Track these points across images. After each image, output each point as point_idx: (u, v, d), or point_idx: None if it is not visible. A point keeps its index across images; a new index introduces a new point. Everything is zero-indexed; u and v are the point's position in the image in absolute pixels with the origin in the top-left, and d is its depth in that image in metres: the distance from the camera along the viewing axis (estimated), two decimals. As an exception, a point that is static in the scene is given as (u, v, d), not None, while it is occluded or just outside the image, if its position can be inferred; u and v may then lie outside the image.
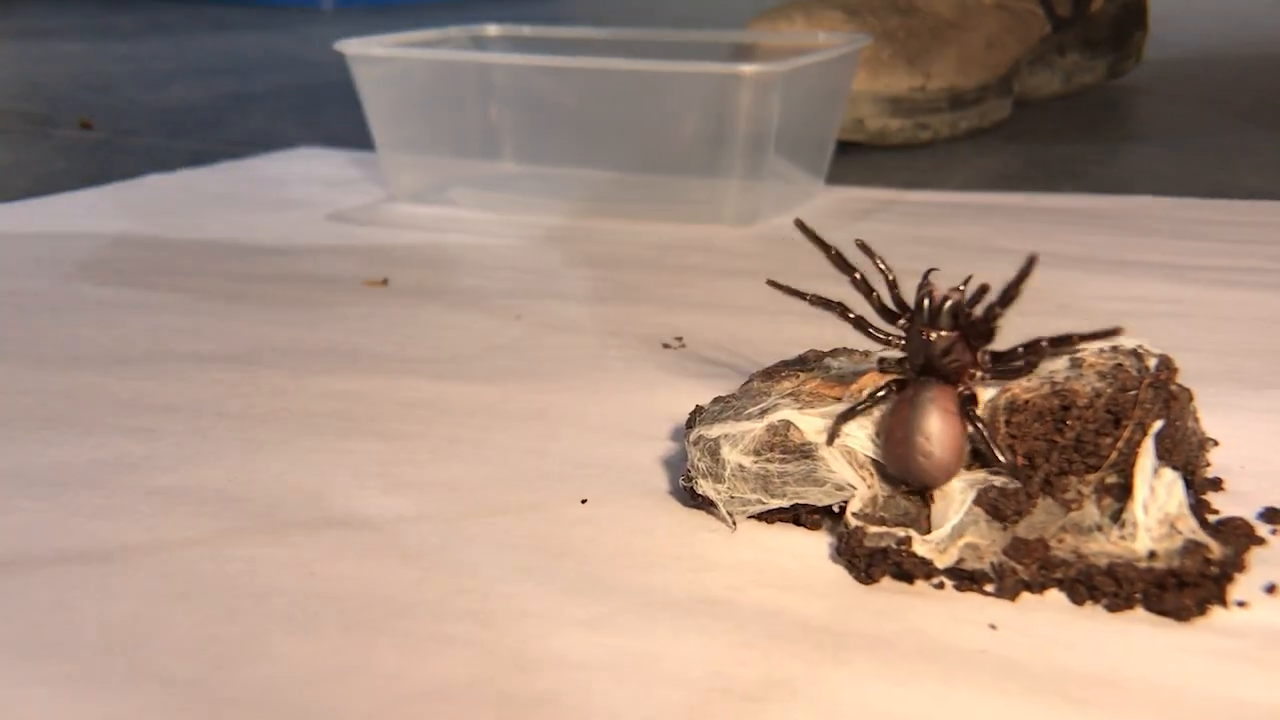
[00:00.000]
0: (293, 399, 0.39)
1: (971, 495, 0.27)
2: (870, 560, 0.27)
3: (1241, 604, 0.26)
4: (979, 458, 0.28)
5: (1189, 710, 0.23)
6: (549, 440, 0.36)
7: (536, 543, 0.30)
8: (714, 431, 0.30)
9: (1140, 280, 0.49)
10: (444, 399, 0.39)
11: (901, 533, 0.27)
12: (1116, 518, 0.27)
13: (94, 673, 0.25)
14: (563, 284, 0.52)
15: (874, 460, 0.29)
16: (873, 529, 0.27)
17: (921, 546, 0.27)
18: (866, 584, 0.27)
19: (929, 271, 0.29)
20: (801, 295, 0.31)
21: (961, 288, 0.29)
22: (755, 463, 0.29)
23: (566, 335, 0.45)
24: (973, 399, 0.28)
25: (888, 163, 0.74)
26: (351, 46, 0.65)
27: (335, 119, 0.93)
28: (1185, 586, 0.26)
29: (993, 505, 0.27)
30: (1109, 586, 0.26)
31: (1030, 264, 0.26)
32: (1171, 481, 0.26)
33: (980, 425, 0.27)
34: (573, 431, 0.36)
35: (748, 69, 0.58)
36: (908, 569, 0.27)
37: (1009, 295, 0.27)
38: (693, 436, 0.31)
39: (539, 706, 0.24)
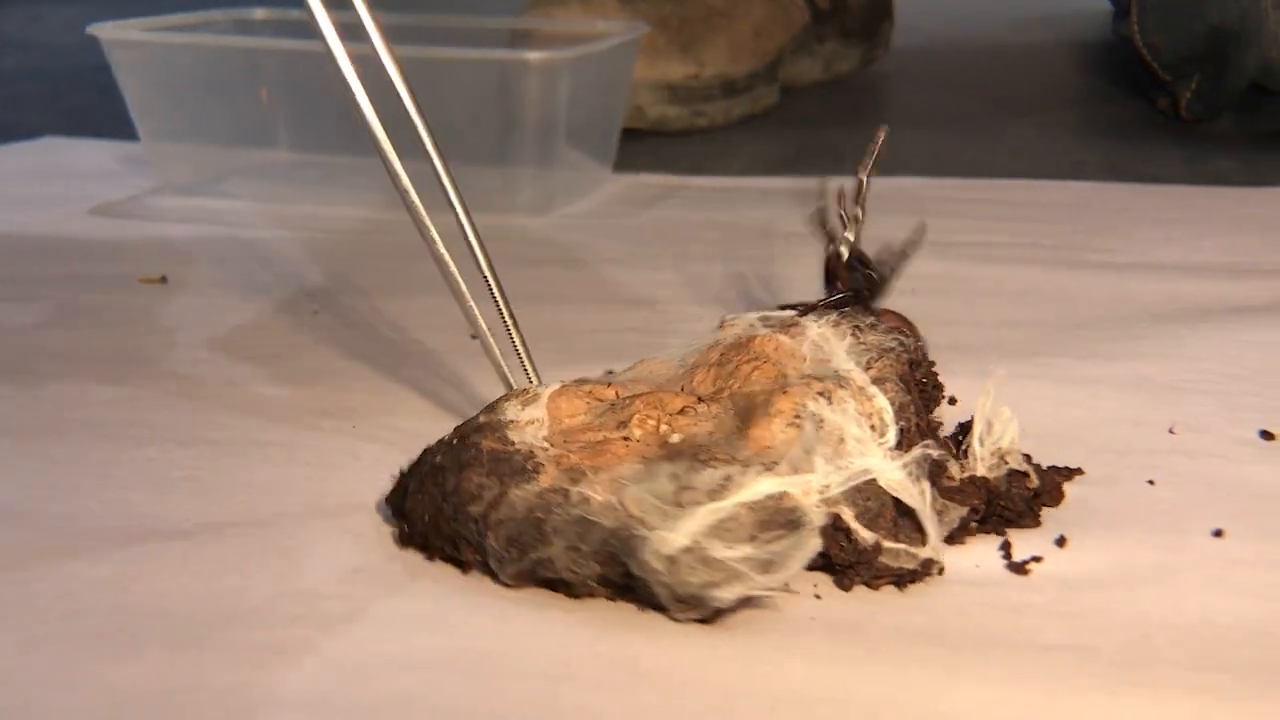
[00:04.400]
0: (79, 409, 0.37)
1: (924, 483, 0.28)
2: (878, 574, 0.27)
3: (1037, 559, 0.28)
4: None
5: (1001, 661, 0.25)
6: (361, 440, 0.35)
7: (363, 543, 0.29)
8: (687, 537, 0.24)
9: (918, 258, 0.52)
10: (247, 401, 0.38)
11: (922, 552, 0.27)
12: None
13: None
14: (357, 277, 0.50)
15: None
16: (888, 544, 0.27)
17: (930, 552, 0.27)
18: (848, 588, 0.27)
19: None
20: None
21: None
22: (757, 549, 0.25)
23: (369, 330, 0.44)
24: None
25: (668, 149, 0.75)
26: (107, 30, 0.61)
27: (80, 106, 0.87)
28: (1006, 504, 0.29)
29: (932, 476, 0.28)
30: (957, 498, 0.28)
31: (920, 233, 0.34)
32: (1008, 419, 0.29)
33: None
34: (385, 430, 0.36)
35: (534, 56, 0.58)
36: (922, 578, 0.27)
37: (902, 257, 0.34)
38: (667, 550, 0.24)
39: (391, 710, 0.23)
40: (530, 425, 0.28)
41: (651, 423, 0.28)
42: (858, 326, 0.31)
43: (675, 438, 0.27)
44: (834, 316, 0.31)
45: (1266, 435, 0.34)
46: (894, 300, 0.48)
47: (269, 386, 0.39)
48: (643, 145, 0.76)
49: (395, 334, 0.44)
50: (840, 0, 0.98)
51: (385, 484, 0.32)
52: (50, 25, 1.37)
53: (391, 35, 0.70)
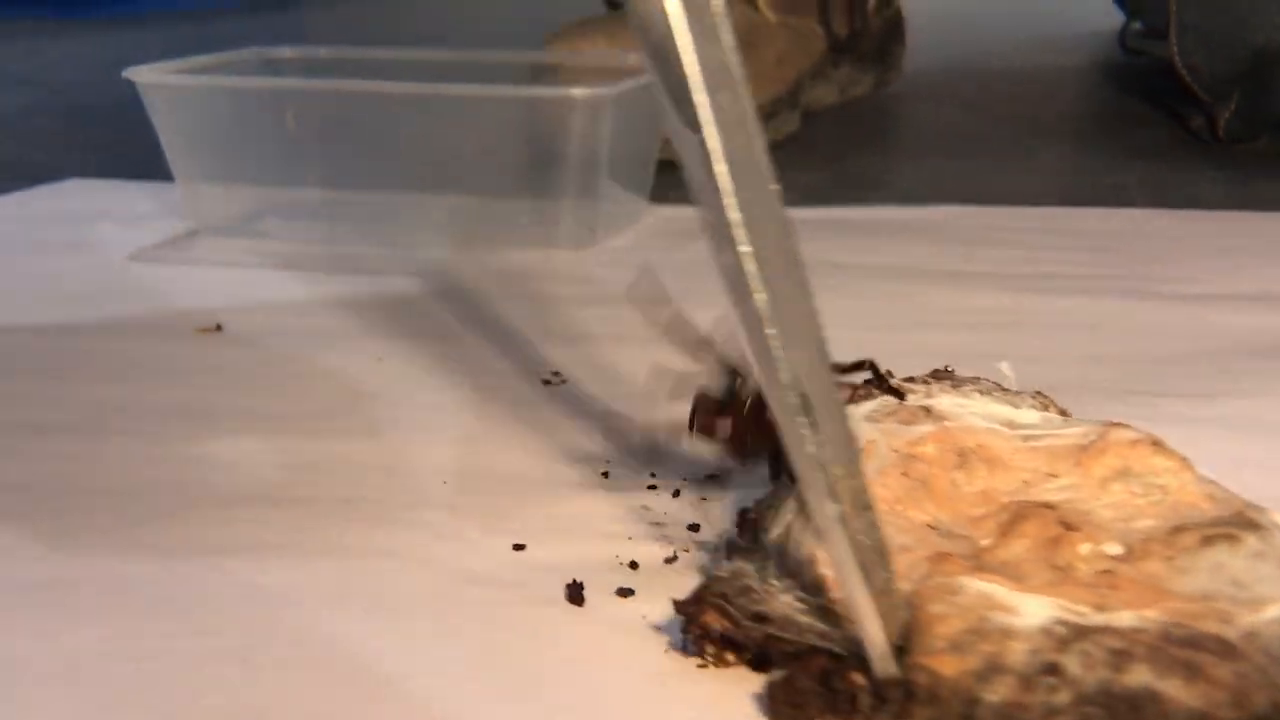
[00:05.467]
0: (164, 467, 0.36)
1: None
2: None
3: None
4: None
5: None
6: (471, 495, 0.34)
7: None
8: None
9: (973, 291, 0.51)
10: (331, 459, 0.37)
11: None
12: None
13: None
14: (413, 320, 0.50)
15: None
16: None
17: None
18: None
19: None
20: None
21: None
22: None
23: (437, 378, 0.43)
24: None
25: (699, 179, 0.75)
26: (144, 74, 0.61)
27: (99, 146, 0.86)
28: None
29: None
30: None
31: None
32: None
33: None
34: (493, 482, 0.35)
35: (579, 92, 0.57)
36: None
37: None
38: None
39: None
40: None
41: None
42: None
43: None
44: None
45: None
46: (951, 333, 0.47)
47: (354, 442, 0.38)
48: (673, 177, 0.75)
49: (466, 379, 0.43)
50: (858, 26, 0.98)
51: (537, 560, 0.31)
52: (63, 61, 1.35)
53: (411, 72, 0.71)
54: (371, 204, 0.67)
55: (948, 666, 0.21)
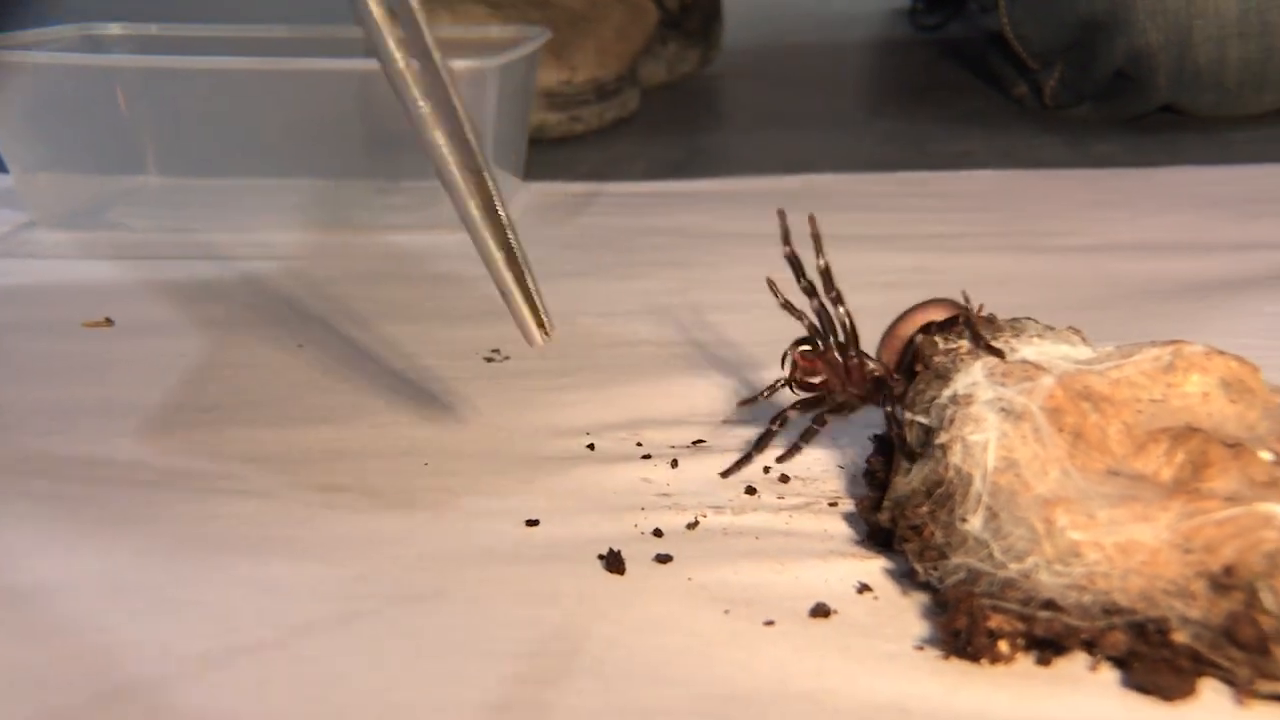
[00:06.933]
0: (100, 469, 0.33)
1: None
2: None
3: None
4: None
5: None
6: (461, 475, 0.33)
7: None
8: None
9: (872, 253, 0.53)
10: (294, 448, 0.34)
11: None
12: None
13: None
14: (321, 306, 0.47)
15: None
16: None
17: None
18: None
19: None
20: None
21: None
22: None
23: (368, 363, 0.41)
24: None
25: (557, 156, 0.74)
26: (-33, 50, 0.55)
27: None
28: None
29: None
30: None
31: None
32: None
33: None
34: (478, 461, 0.33)
35: (460, 64, 0.56)
36: None
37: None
38: None
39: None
40: None
41: None
42: None
43: None
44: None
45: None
46: (875, 293, 0.48)
47: (306, 428, 0.36)
48: (544, 154, 0.74)
49: (403, 361, 0.41)
50: (687, 0, 0.99)
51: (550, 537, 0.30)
52: None
53: (249, 48, 0.67)
54: (208, 190, 0.63)
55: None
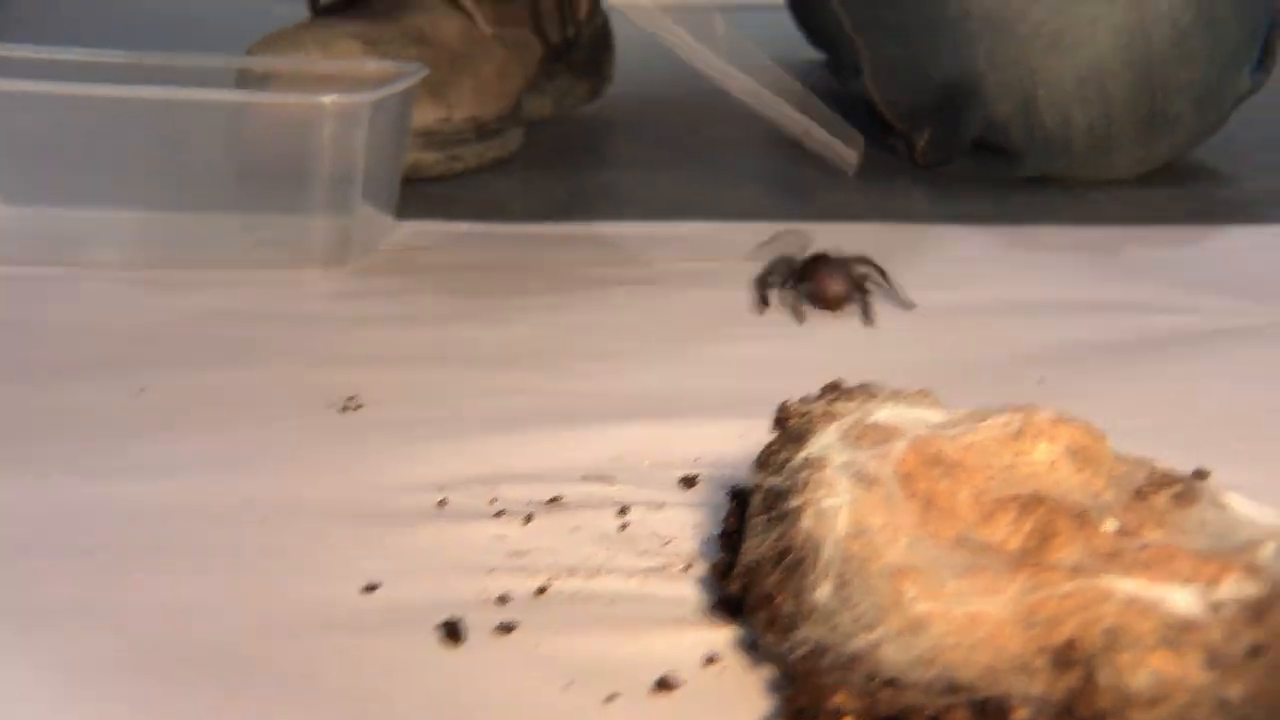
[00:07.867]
0: None
1: None
2: None
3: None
4: None
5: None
6: (297, 535, 0.31)
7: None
8: None
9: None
10: (120, 504, 0.32)
11: None
12: None
13: None
14: (167, 348, 0.45)
15: None
16: None
17: None
18: None
19: None
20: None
21: None
22: None
23: (214, 410, 0.39)
24: None
25: (434, 195, 0.72)
26: None
27: None
28: None
29: None
30: None
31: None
32: None
33: None
34: (318, 520, 0.32)
35: (330, 100, 0.54)
36: None
37: None
38: None
39: None
40: None
41: None
42: None
43: None
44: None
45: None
46: (781, 347, 0.48)
47: (143, 483, 0.34)
48: (417, 193, 0.72)
49: (250, 409, 0.39)
50: (570, 34, 0.99)
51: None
52: None
53: (101, 75, 0.65)
54: (73, 219, 0.60)
55: (1169, 665, 0.21)
